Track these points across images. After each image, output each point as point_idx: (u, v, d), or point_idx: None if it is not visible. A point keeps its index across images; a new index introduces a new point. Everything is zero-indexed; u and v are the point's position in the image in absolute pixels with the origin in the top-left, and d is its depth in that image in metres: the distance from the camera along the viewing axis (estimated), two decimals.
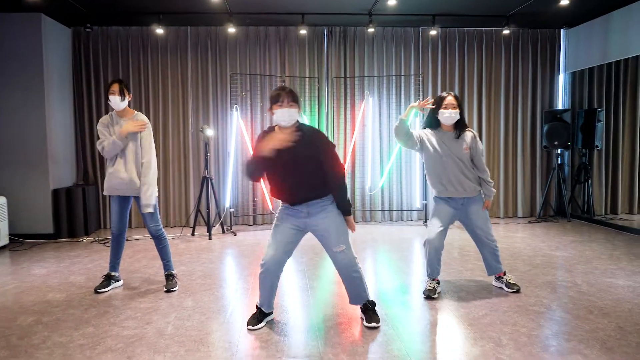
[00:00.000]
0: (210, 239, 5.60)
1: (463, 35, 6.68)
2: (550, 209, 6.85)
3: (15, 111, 5.52)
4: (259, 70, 6.46)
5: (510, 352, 2.51)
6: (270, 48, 6.45)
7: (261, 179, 2.86)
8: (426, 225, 6.10)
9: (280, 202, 2.94)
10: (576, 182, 6.74)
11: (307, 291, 3.61)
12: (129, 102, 3.58)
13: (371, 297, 3.03)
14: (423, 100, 3.30)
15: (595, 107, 6.53)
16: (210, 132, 5.73)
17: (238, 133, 6.22)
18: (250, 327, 2.85)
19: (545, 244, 5.08)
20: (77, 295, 3.55)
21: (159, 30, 5.97)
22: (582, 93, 6.77)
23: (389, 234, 5.81)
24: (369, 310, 2.93)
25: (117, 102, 3.48)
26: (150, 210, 3.45)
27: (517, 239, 5.33)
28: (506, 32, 6.39)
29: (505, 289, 3.49)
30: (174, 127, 6.41)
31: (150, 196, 3.45)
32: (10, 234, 5.36)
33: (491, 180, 3.42)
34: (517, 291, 3.44)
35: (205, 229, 6.01)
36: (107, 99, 3.54)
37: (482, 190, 3.41)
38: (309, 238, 3.16)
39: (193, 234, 5.86)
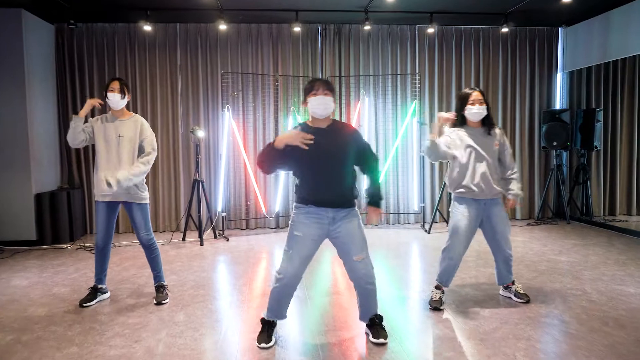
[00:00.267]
0: (202, 244, 5.38)
1: (460, 34, 6.53)
2: (549, 210, 6.73)
3: None
4: (251, 69, 6.24)
5: None
6: (262, 46, 6.24)
7: (272, 173, 2.76)
8: (426, 230, 5.97)
9: (297, 204, 2.70)
10: (575, 183, 6.63)
11: (306, 302, 3.42)
12: (127, 102, 3.42)
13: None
14: (447, 114, 3.19)
15: (594, 106, 6.43)
16: (201, 133, 5.51)
17: (230, 134, 6.01)
18: (264, 345, 2.66)
19: (547, 248, 4.95)
20: (60, 309, 3.32)
21: (147, 27, 5.72)
22: (580, 92, 6.67)
23: (387, 238, 5.65)
24: (376, 325, 2.74)
25: (116, 100, 3.31)
26: (113, 180, 3.17)
27: (518, 243, 5.19)
28: (504, 30, 6.27)
29: (515, 298, 3.34)
30: (163, 128, 6.17)
31: (129, 177, 3.21)
32: None
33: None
34: (527, 302, 3.28)
35: (196, 234, 5.79)
36: (104, 97, 3.35)
37: (509, 189, 3.23)
38: None
39: (184, 239, 5.63)
